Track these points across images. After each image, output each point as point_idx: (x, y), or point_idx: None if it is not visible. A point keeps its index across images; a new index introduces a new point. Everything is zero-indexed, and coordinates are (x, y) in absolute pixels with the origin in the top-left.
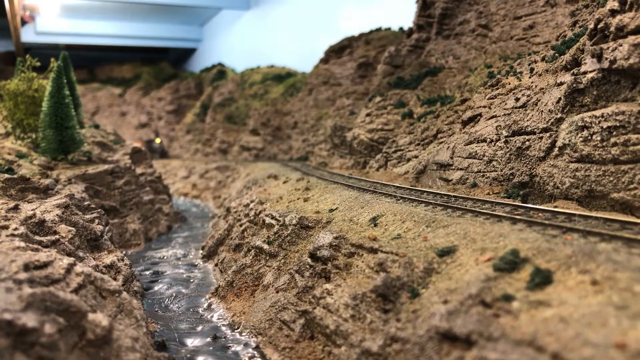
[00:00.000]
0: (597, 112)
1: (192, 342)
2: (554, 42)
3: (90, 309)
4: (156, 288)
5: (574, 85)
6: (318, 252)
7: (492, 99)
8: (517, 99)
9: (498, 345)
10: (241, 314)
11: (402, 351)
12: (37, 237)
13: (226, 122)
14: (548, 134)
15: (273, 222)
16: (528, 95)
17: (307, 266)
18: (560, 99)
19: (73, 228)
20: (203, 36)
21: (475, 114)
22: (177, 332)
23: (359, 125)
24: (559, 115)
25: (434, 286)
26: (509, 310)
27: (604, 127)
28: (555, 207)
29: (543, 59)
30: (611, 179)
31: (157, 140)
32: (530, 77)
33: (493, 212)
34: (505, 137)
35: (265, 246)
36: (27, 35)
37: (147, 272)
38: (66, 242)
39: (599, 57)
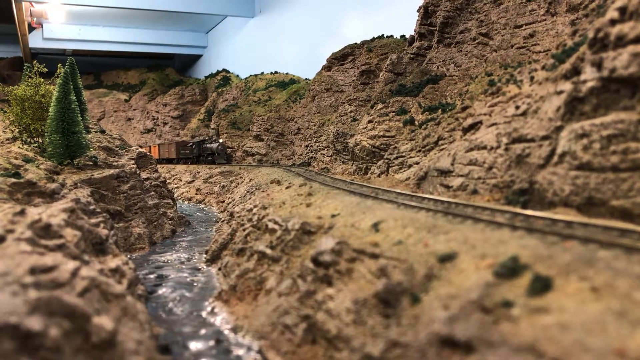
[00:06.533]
0: (597, 121)
1: (195, 346)
2: (554, 51)
3: (95, 312)
4: (160, 292)
5: (574, 93)
6: (320, 257)
7: (493, 106)
8: (518, 107)
9: (498, 351)
10: (244, 318)
11: (403, 356)
12: (43, 241)
13: (230, 128)
14: (548, 142)
15: (276, 227)
16: (528, 103)
17: (309, 271)
18: (560, 107)
19: (79, 232)
20: (208, 43)
21: (475, 121)
22: (181, 336)
23: (361, 132)
24: (559, 123)
25: (435, 292)
26: (509, 316)
27: (604, 135)
28: (555, 214)
29: (543, 68)
30: (610, 186)
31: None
32: (530, 85)
33: (493, 219)
34: (506, 144)
35: (268, 251)
36: (35, 42)
37: (152, 276)
38: (72, 246)
39: (598, 66)
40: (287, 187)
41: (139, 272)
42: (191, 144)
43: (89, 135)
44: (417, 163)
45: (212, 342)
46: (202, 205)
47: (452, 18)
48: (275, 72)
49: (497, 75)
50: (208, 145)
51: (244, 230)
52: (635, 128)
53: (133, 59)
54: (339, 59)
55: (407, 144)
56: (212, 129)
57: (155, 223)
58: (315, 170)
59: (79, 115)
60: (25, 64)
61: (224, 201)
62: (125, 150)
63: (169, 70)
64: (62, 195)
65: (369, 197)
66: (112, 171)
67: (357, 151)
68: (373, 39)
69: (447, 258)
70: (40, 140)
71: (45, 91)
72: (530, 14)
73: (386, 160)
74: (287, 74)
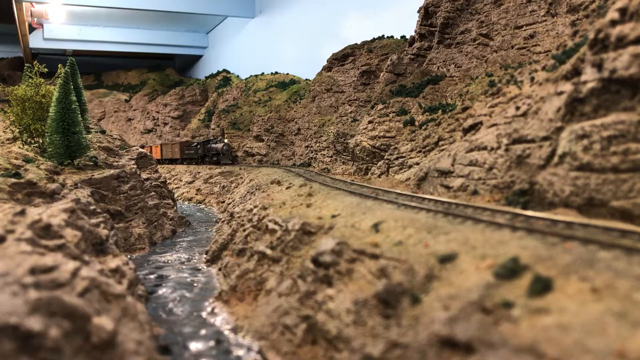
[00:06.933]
0: (597, 121)
1: (195, 346)
2: (554, 52)
3: (95, 312)
4: (160, 292)
5: (574, 94)
6: (320, 257)
7: (493, 107)
8: (518, 108)
9: (498, 351)
10: (244, 318)
11: (403, 357)
12: (43, 242)
13: (230, 128)
14: (548, 143)
15: (276, 227)
16: (528, 104)
17: (310, 271)
18: (560, 107)
19: (79, 232)
20: (208, 43)
21: (476, 122)
22: (181, 336)
23: (361, 132)
24: (559, 124)
25: (435, 292)
26: (509, 317)
27: (604, 136)
28: (555, 214)
29: (543, 68)
30: (611, 187)
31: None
32: (530, 86)
33: (493, 220)
34: (506, 145)
35: (268, 251)
36: (35, 42)
37: (152, 276)
38: (72, 246)
39: (599, 66)
40: (287, 188)
41: (139, 272)
42: (196, 144)
43: (89, 136)
44: (418, 164)
45: (212, 343)
46: (202, 206)
47: (452, 19)
48: (276, 73)
49: (497, 75)
50: (213, 145)
51: (244, 230)
52: (636, 129)
53: (133, 59)
54: (340, 59)
55: (407, 144)
56: (212, 129)
57: (156, 223)
58: (315, 171)
59: (79, 116)
60: (25, 64)
61: (224, 201)
62: (126, 150)
63: (169, 70)
64: (62, 195)
65: (369, 197)
66: (112, 171)
67: (358, 152)
68: (373, 40)
69: (447, 259)
70: (41, 141)
71: (45, 91)
72: (530, 15)
73: (386, 161)
74: (287, 74)
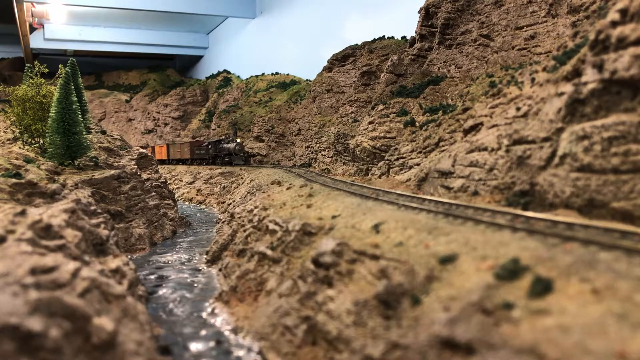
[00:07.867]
0: (598, 122)
1: (195, 347)
2: (555, 53)
3: (95, 313)
4: (160, 292)
5: (575, 95)
6: (321, 258)
7: (494, 108)
8: (518, 109)
9: (499, 352)
10: (244, 319)
11: (403, 358)
12: (43, 242)
13: (231, 129)
14: (549, 144)
15: (276, 228)
16: (529, 105)
17: (310, 272)
18: (561, 108)
19: (79, 233)
20: (209, 44)
21: (476, 122)
22: (181, 337)
23: (361, 133)
24: (560, 124)
25: (435, 293)
26: (510, 318)
27: (605, 137)
28: (556, 215)
29: (544, 69)
30: (611, 188)
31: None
32: (531, 87)
33: (494, 220)
34: (507, 146)
35: (269, 252)
36: (36, 42)
37: (152, 277)
38: (72, 247)
39: (599, 67)
40: (287, 188)
41: (139, 272)
42: (207, 143)
43: (90, 136)
44: (418, 164)
45: (212, 343)
46: (203, 206)
47: (453, 19)
48: (276, 73)
49: (498, 76)
50: (225, 145)
51: (244, 231)
52: (636, 130)
53: (134, 59)
54: (340, 60)
55: (407, 145)
56: (213, 129)
57: (156, 224)
58: (316, 171)
59: (80, 116)
60: (26, 65)
61: (224, 202)
62: (126, 150)
63: (169, 71)
64: (62, 195)
65: (369, 198)
66: (112, 172)
67: (358, 152)
68: (374, 40)
69: (447, 259)
70: (41, 141)
71: (46, 92)
72: (531, 16)
73: (387, 162)
74: (288, 74)
